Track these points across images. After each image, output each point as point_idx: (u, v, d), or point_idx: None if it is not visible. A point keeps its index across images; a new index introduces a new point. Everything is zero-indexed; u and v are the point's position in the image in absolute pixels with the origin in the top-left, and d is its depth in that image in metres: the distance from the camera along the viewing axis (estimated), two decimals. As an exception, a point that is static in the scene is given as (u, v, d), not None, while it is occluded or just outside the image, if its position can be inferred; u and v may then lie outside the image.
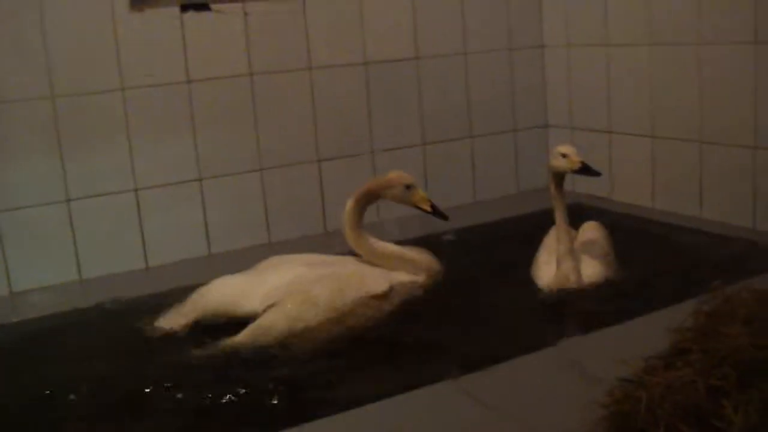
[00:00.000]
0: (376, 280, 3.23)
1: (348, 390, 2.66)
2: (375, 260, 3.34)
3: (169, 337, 3.07)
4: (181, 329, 3.09)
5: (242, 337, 2.99)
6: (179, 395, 2.66)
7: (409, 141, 4.42)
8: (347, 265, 3.34)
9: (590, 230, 3.57)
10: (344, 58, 4.22)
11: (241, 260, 3.73)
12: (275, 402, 2.60)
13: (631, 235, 3.95)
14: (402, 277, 3.31)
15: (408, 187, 3.36)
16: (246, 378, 2.73)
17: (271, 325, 3.03)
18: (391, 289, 3.24)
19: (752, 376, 1.91)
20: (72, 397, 2.67)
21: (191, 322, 3.11)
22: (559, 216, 3.34)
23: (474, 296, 3.35)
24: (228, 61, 3.97)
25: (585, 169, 3.25)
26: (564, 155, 3.26)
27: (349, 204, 3.34)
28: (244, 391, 2.64)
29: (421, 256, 3.41)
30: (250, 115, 4.04)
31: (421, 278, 3.35)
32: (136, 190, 3.84)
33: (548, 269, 3.38)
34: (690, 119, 3.97)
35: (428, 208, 3.39)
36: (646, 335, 2.41)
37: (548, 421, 2.21)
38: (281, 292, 3.11)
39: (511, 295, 3.39)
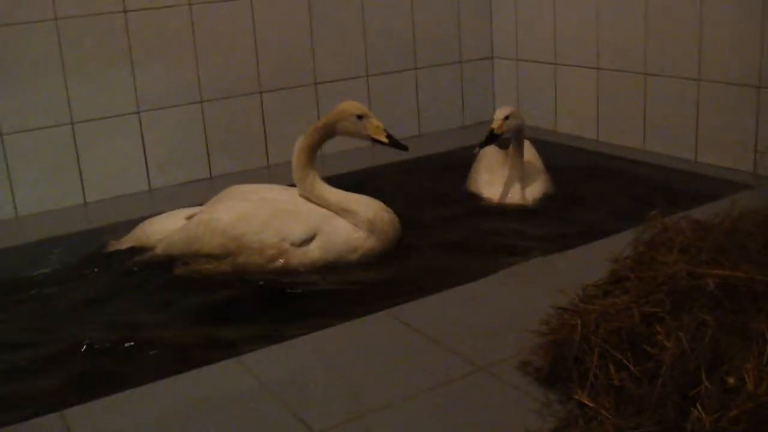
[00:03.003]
0: (299, 223, 3.00)
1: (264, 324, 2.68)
2: (318, 203, 3.09)
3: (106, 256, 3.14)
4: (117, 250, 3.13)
5: (150, 253, 3.03)
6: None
7: (353, 72, 4.35)
8: (284, 201, 3.10)
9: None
10: (287, -13, 4.13)
11: (182, 195, 3.69)
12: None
13: (575, 166, 3.96)
14: (341, 228, 3.04)
15: (360, 117, 3.05)
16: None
17: (173, 243, 3.02)
18: (314, 236, 3.00)
19: (686, 302, 1.93)
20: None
21: (128, 247, 3.11)
22: (516, 151, 3.49)
23: (412, 226, 3.34)
24: (166, -10, 3.86)
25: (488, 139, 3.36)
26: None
27: (300, 141, 3.10)
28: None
29: (367, 209, 3.07)
30: (190, 46, 3.93)
31: (360, 232, 3.04)
32: (72, 123, 3.74)
33: (492, 188, 3.54)
34: (635, 51, 3.96)
35: (384, 139, 3.08)
36: (586, 265, 2.43)
37: (485, 349, 2.21)
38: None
39: (447, 224, 3.43)
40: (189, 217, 3.07)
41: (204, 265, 2.96)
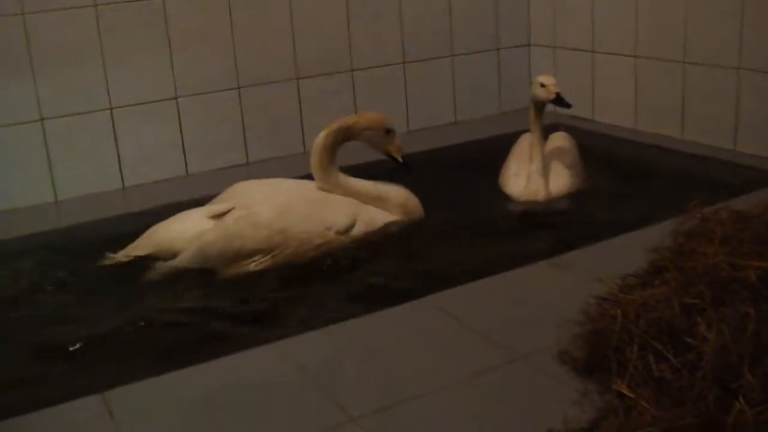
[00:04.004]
0: (339, 212, 3.02)
1: (306, 312, 2.67)
2: (347, 196, 3.12)
3: (119, 266, 2.97)
4: (130, 260, 2.95)
5: (181, 257, 2.90)
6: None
7: (390, 59, 4.35)
8: (315, 191, 3.11)
9: (558, 140, 3.65)
10: (324, -28, 4.13)
11: (219, 180, 3.70)
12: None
13: (613, 155, 3.94)
14: (374, 212, 3.10)
15: (388, 131, 3.15)
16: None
17: (209, 243, 2.88)
18: (355, 223, 3.03)
19: (727, 294, 1.91)
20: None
21: (141, 255, 2.96)
22: (536, 138, 3.42)
23: (448, 215, 3.34)
24: (204, -24, 3.88)
25: (558, 101, 3.34)
26: (543, 85, 3.36)
27: (322, 137, 3.07)
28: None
29: (398, 194, 3.16)
30: (228, 32, 3.95)
31: (396, 217, 3.13)
32: (110, 109, 3.77)
33: (518, 180, 3.49)
34: (674, 39, 3.92)
35: (400, 159, 3.19)
36: (624, 254, 2.42)
37: (523, 338, 2.21)
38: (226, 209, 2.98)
39: (486, 213, 3.42)
40: (215, 216, 2.96)
41: (245, 263, 2.90)
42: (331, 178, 3.09)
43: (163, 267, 2.92)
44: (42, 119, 3.63)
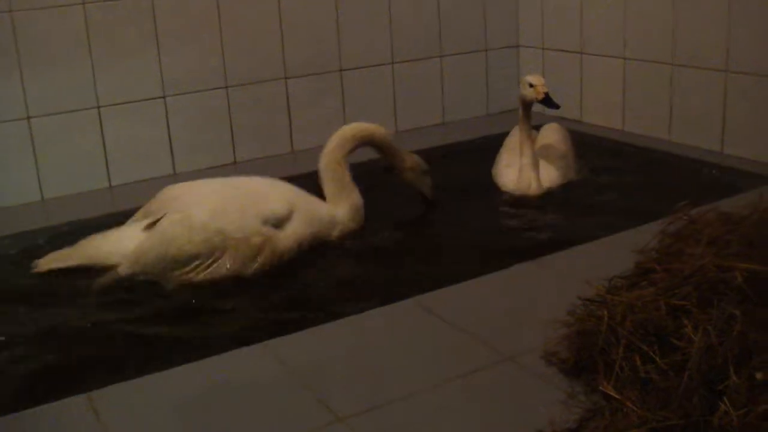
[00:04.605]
0: (274, 201, 2.94)
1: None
2: (330, 179, 3.13)
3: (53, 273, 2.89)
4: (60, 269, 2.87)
5: (121, 268, 2.82)
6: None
7: (379, 59, 4.35)
8: (249, 185, 3.04)
9: (550, 131, 3.69)
10: (313, -28, 4.13)
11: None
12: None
13: (601, 157, 3.94)
14: (315, 205, 3.07)
15: (424, 172, 3.39)
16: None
17: (145, 249, 2.81)
18: (291, 214, 2.95)
19: (714, 296, 1.92)
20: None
21: (71, 265, 2.87)
22: (524, 137, 3.44)
23: (435, 216, 3.38)
24: (192, -26, 3.86)
25: (547, 101, 3.37)
26: (531, 85, 3.39)
27: (369, 128, 3.20)
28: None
29: (358, 198, 3.16)
30: (216, 31, 3.93)
31: (340, 212, 3.12)
32: (98, 107, 3.75)
33: (510, 172, 3.53)
34: (662, 41, 3.93)
35: (430, 198, 3.43)
36: (611, 255, 2.43)
37: (510, 339, 2.21)
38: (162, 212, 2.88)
39: (474, 214, 3.43)
40: (148, 226, 2.88)
41: (187, 270, 2.81)
42: (333, 162, 3.13)
43: (106, 277, 2.83)
44: (29, 117, 3.61)
